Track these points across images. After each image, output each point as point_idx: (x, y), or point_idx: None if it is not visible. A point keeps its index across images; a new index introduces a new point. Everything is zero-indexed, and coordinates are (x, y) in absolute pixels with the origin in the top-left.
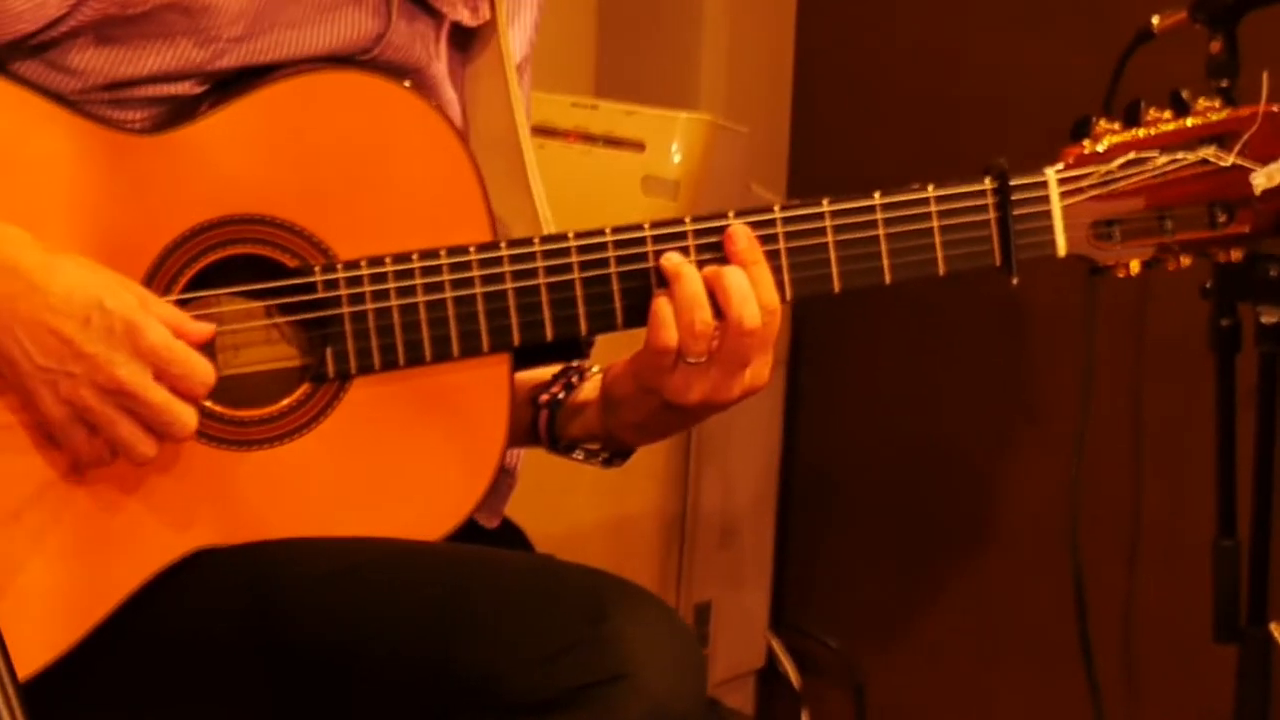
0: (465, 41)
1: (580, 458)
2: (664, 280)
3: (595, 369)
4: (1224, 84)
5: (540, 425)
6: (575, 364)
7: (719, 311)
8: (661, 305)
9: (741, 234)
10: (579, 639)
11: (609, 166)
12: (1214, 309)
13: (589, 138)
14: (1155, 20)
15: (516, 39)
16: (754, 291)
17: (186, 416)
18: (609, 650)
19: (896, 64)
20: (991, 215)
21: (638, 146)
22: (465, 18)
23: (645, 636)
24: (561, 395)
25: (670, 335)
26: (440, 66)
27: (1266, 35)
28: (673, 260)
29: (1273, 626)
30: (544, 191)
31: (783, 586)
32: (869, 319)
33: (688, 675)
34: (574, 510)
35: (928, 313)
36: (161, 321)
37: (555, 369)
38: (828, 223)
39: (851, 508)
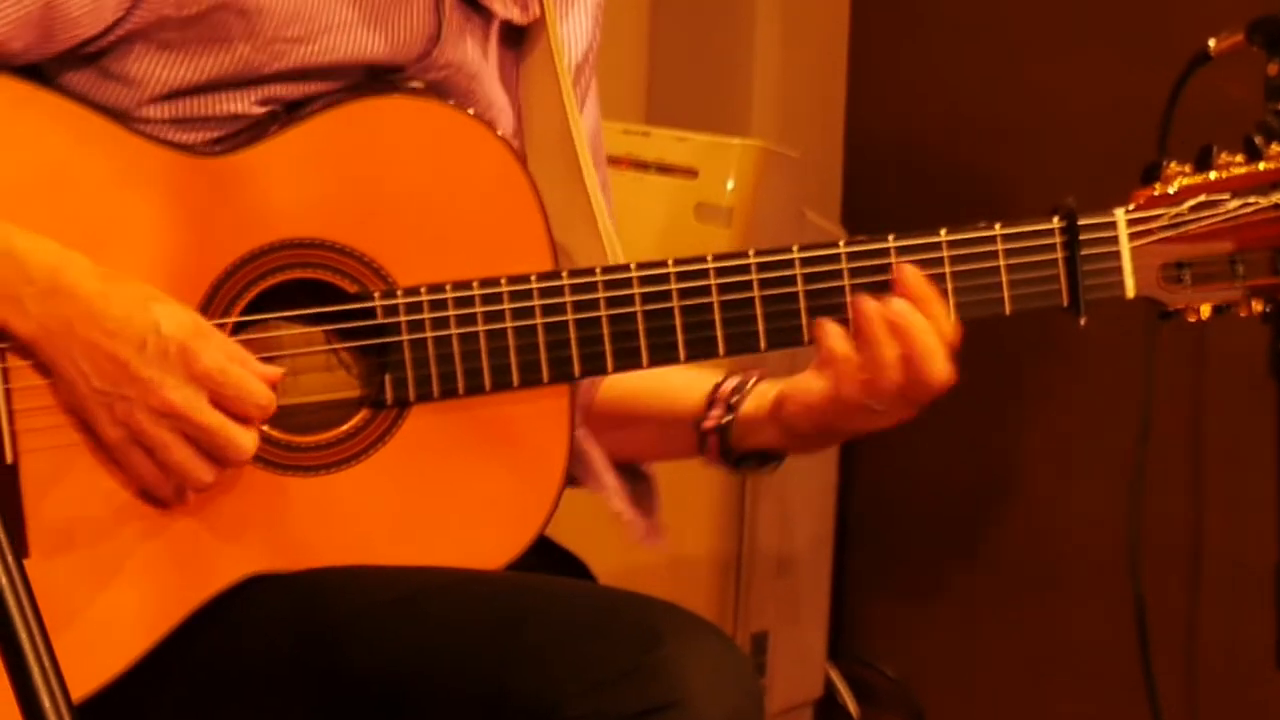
0: (517, 40)
1: (750, 470)
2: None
3: (751, 381)
4: None
5: (710, 448)
6: (727, 387)
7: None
8: (847, 360)
9: (911, 274)
10: (633, 666)
11: (662, 193)
12: (1274, 334)
13: (641, 165)
14: (1212, 43)
15: (570, 36)
16: (935, 337)
17: (242, 439)
18: (663, 677)
19: (950, 88)
20: (1059, 255)
21: (690, 173)
22: (515, 15)
23: (700, 664)
24: (728, 420)
25: (857, 391)
26: (491, 67)
27: None
28: (871, 317)
29: None
30: (599, 186)
31: (840, 616)
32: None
33: (743, 703)
34: (628, 541)
35: (984, 343)
36: (233, 359)
37: (696, 392)
38: (892, 259)
39: (909, 536)
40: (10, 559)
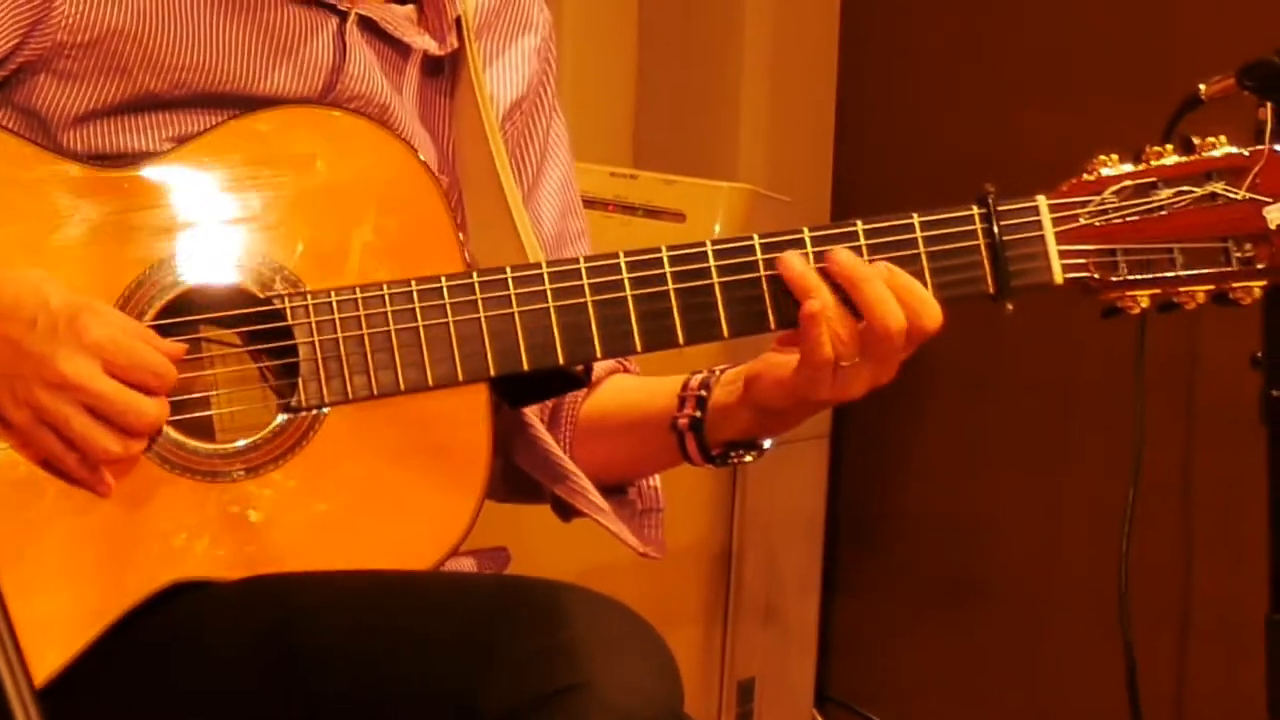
0: (443, 75)
1: (733, 461)
2: (792, 297)
3: (719, 370)
4: None
5: (689, 447)
6: (694, 383)
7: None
8: (818, 324)
9: (844, 257)
10: (541, 648)
11: (649, 237)
12: (1265, 380)
13: (628, 208)
14: (1203, 87)
15: (501, 78)
16: (890, 293)
17: (142, 405)
18: (570, 658)
19: (940, 131)
20: (981, 241)
21: (678, 217)
22: (432, 47)
23: (608, 644)
24: (699, 414)
25: (828, 351)
26: (406, 101)
27: None
28: (797, 271)
29: None
30: (529, 225)
31: (828, 662)
32: (914, 391)
33: (652, 682)
34: (616, 585)
35: (974, 384)
36: (126, 331)
37: (666, 395)
38: (809, 249)
39: (897, 582)
40: None
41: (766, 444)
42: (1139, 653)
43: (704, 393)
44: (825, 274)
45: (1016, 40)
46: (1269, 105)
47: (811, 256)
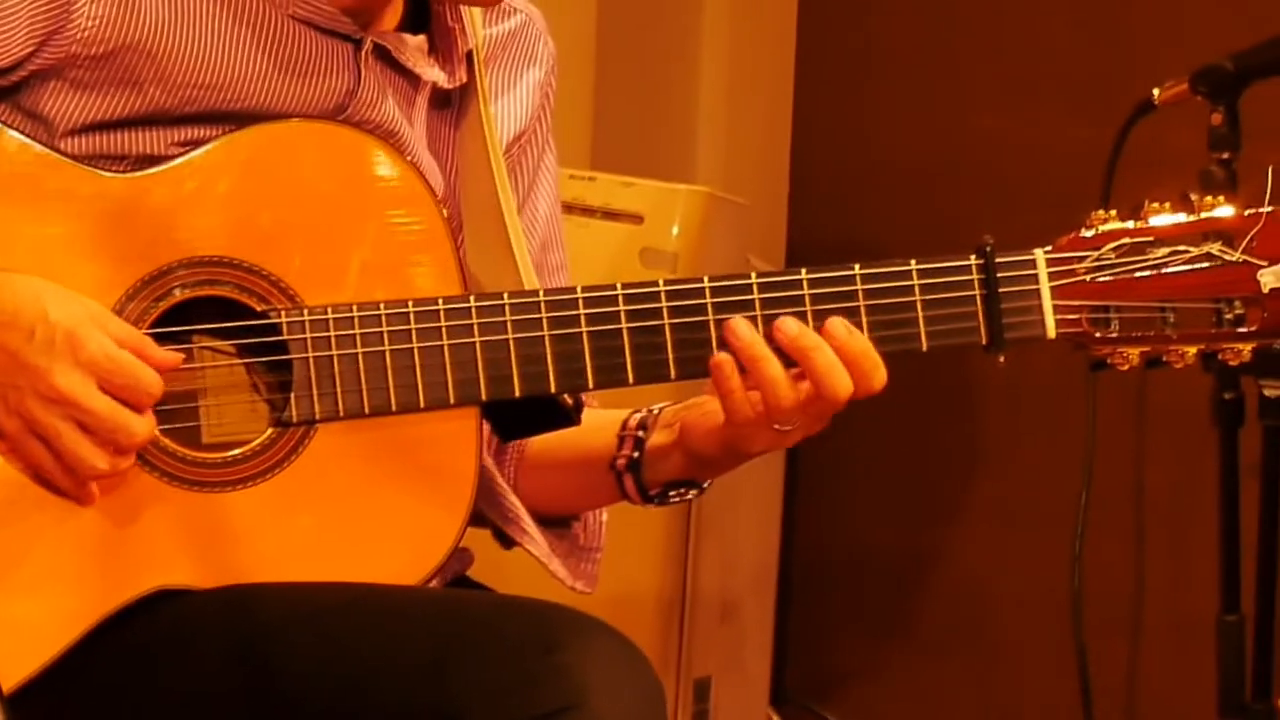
0: (451, 106)
1: (674, 500)
2: (722, 347)
3: (657, 409)
4: (1224, 156)
5: (628, 488)
6: (633, 422)
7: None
8: (736, 386)
9: (791, 328)
10: (531, 671)
11: (607, 238)
12: (1216, 383)
13: (587, 210)
14: (1156, 92)
15: (505, 111)
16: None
17: (134, 425)
18: (561, 681)
19: (895, 135)
20: (977, 292)
21: (636, 219)
22: (441, 80)
23: (597, 666)
24: (637, 455)
25: (750, 412)
26: (415, 130)
27: (1268, 108)
28: (745, 340)
29: (1277, 701)
30: (530, 260)
31: (784, 662)
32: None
33: (641, 704)
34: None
35: (927, 388)
36: (119, 341)
37: (606, 432)
38: (805, 290)
39: (853, 582)
40: None
41: (706, 483)
42: (1091, 654)
43: (641, 433)
44: (772, 341)
45: (973, 45)
46: (1222, 110)
47: (809, 301)
